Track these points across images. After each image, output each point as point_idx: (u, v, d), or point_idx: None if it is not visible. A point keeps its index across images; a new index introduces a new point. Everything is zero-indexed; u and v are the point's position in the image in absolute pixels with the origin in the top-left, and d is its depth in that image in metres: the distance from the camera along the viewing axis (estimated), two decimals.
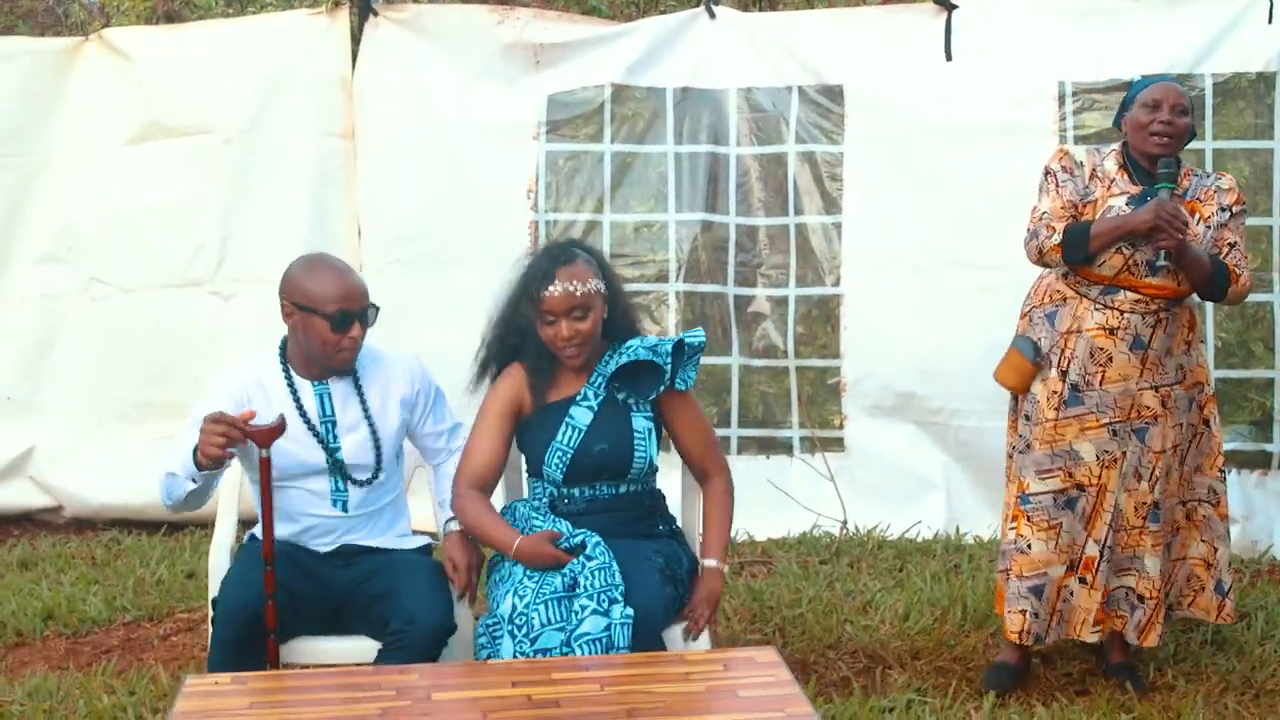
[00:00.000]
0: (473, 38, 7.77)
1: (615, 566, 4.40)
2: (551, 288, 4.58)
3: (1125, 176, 5.33)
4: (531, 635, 4.29)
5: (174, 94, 7.82)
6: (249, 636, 4.37)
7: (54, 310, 7.95)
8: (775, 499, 7.49)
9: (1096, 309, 5.28)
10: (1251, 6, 7.23)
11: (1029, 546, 5.31)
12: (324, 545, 4.72)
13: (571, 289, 4.58)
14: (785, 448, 7.71)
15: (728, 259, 7.69)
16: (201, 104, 7.79)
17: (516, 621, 4.32)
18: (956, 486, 7.46)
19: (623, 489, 4.72)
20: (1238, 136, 7.29)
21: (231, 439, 4.35)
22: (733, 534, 7.23)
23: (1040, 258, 5.30)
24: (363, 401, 4.76)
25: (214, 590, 4.57)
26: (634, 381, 4.71)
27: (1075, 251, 5.19)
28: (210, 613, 4.51)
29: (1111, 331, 5.25)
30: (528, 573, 4.46)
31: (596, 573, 4.36)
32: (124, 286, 7.85)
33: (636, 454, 4.67)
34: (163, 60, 7.87)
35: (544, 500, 4.73)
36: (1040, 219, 5.31)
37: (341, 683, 3.90)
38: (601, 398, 4.71)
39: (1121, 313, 5.24)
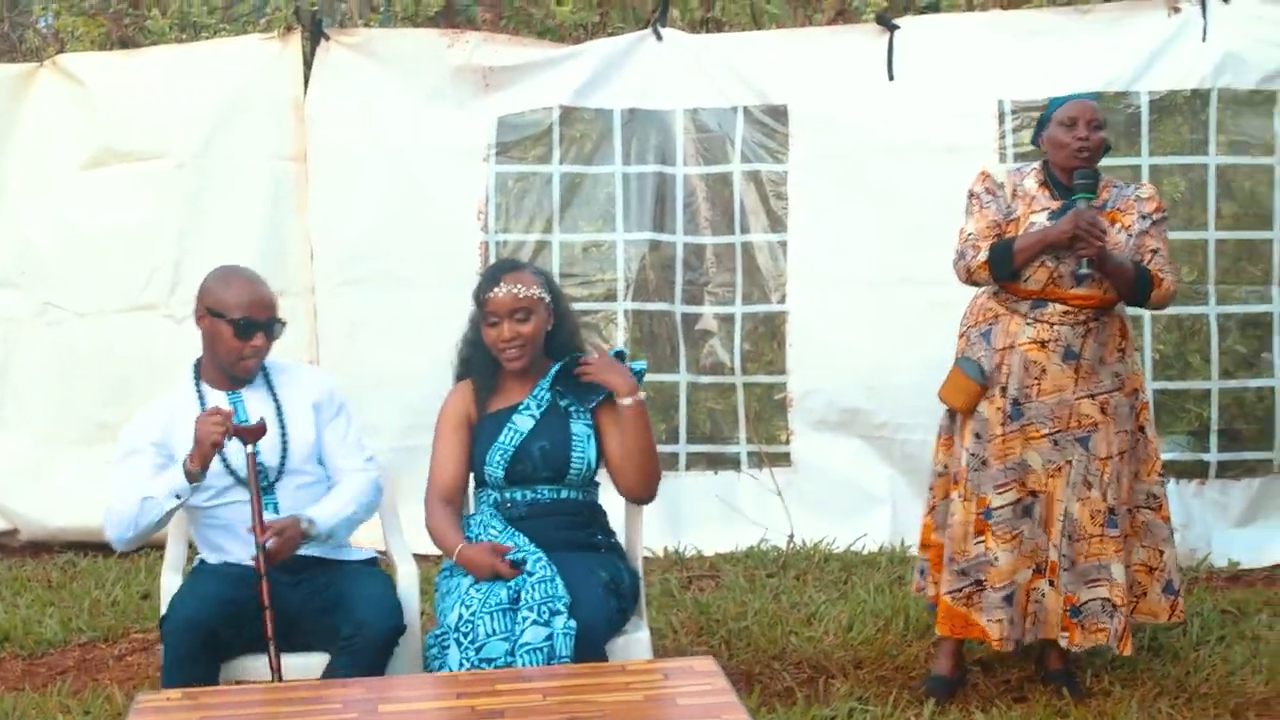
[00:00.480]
0: (423, 61, 7.84)
1: (558, 580, 4.53)
2: (496, 289, 4.81)
3: (1046, 193, 5.47)
4: (477, 644, 4.41)
5: (128, 119, 7.87)
6: (199, 652, 4.46)
7: (9, 335, 8.01)
8: (723, 514, 7.60)
9: (1028, 324, 5.40)
10: (1186, 26, 7.36)
11: (997, 559, 5.40)
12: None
13: (515, 291, 4.81)
14: (733, 463, 7.81)
15: (675, 277, 7.79)
16: (155, 129, 7.84)
17: (463, 629, 4.44)
18: (901, 500, 7.56)
19: (563, 493, 4.88)
20: (1173, 152, 7.42)
21: (226, 429, 4.52)
22: (681, 548, 7.40)
23: (969, 277, 5.47)
24: (276, 406, 4.88)
25: (164, 608, 4.66)
26: (576, 389, 4.90)
27: (1001, 268, 5.35)
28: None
29: (1043, 344, 5.37)
30: (474, 584, 4.59)
31: (538, 585, 4.49)
32: (79, 310, 7.90)
33: (574, 454, 4.85)
34: (117, 86, 7.93)
35: (489, 506, 4.87)
36: (967, 240, 5.47)
37: (290, 697, 3.99)
38: (544, 407, 4.89)
39: (1051, 325, 5.36)
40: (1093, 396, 5.40)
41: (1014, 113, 7.40)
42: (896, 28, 7.59)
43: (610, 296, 7.77)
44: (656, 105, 7.82)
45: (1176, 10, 7.35)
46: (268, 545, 4.50)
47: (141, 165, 7.85)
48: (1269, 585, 6.99)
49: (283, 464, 4.84)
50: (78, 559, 7.61)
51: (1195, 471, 7.44)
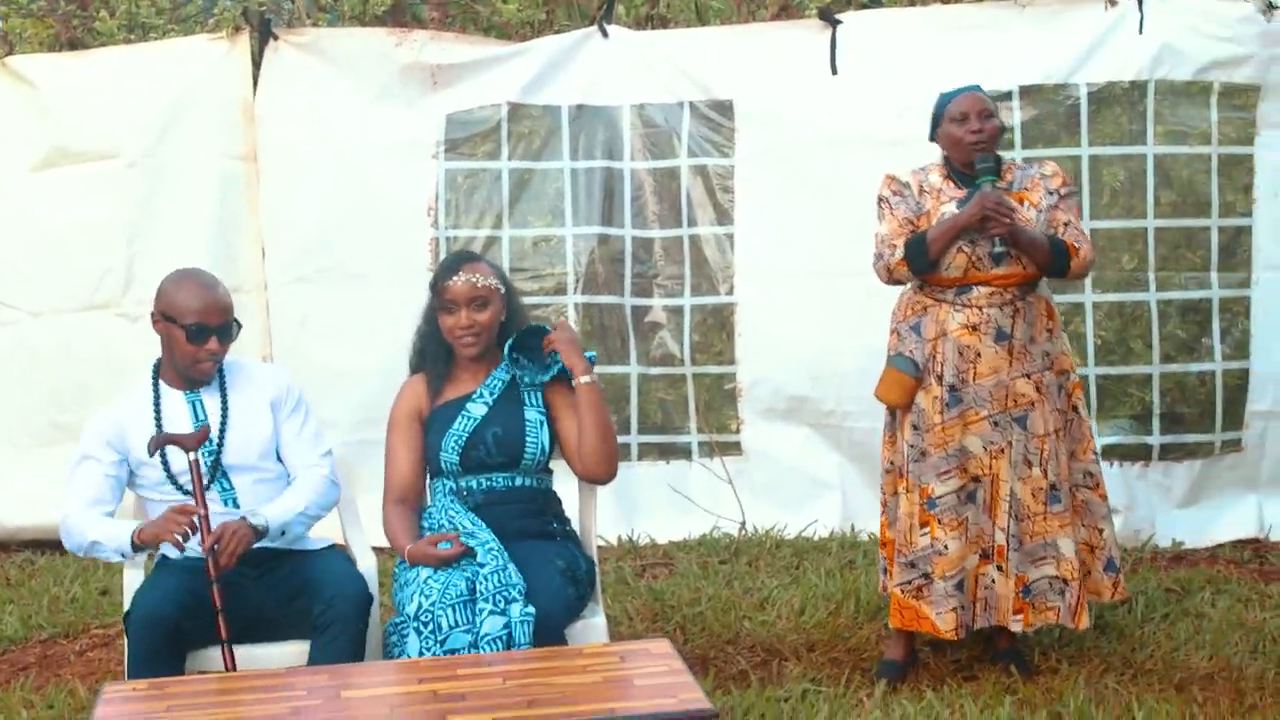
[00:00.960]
0: (371, 60, 7.89)
1: (511, 567, 4.62)
2: (455, 278, 4.94)
3: (950, 184, 5.61)
4: (440, 637, 4.49)
5: (79, 120, 7.90)
6: (163, 645, 4.51)
7: None
8: (675, 503, 7.69)
9: (956, 310, 5.51)
10: (1123, 18, 7.48)
11: (946, 548, 5.48)
12: None
13: (473, 280, 4.94)
14: (684, 453, 7.89)
15: (624, 271, 7.87)
16: (106, 129, 7.87)
17: (422, 619, 4.52)
18: (851, 486, 7.67)
19: (518, 480, 4.99)
20: (1113, 143, 7.52)
21: (187, 534, 4.58)
22: (634, 537, 7.48)
23: (890, 276, 5.60)
24: (224, 405, 4.96)
25: (128, 605, 4.72)
26: (532, 358, 5.05)
27: (919, 260, 5.47)
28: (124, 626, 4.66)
29: (974, 328, 5.48)
30: (433, 574, 4.67)
31: (491, 575, 4.58)
32: (33, 310, 7.93)
33: (528, 439, 4.97)
34: (67, 87, 7.94)
35: (444, 495, 4.96)
36: (882, 241, 5.62)
37: (254, 685, 4.06)
38: (496, 395, 5.01)
39: (980, 309, 5.47)
40: (1027, 376, 5.50)
41: None
42: (839, 23, 7.68)
43: (560, 290, 7.85)
44: (604, 101, 7.89)
45: (1114, 4, 7.46)
46: (214, 548, 4.58)
47: (93, 165, 7.88)
48: (1211, 564, 7.12)
49: (217, 460, 4.89)
50: (35, 557, 7.64)
51: (1139, 454, 7.56)
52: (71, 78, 7.98)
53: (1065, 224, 5.56)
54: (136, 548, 4.68)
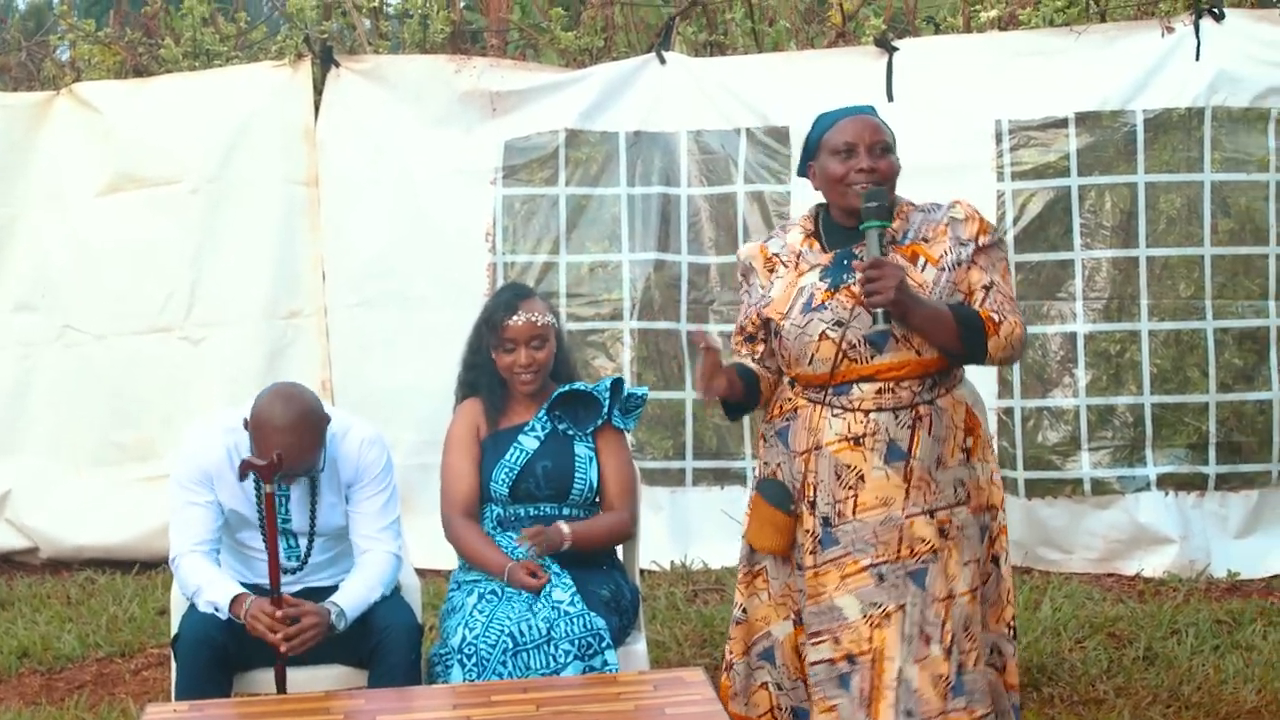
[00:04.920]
0: (431, 87, 7.98)
1: (590, 616, 4.64)
2: (515, 318, 4.97)
3: (815, 246, 4.32)
4: (481, 668, 4.52)
5: (143, 145, 8.02)
6: (210, 668, 4.56)
7: (29, 357, 8.15)
8: (728, 528, 7.65)
9: (835, 415, 4.13)
10: (1180, 45, 7.43)
11: None
12: (286, 589, 4.81)
13: (533, 319, 4.98)
14: (738, 478, 7.87)
15: (680, 296, 7.89)
16: (170, 154, 7.99)
17: (465, 651, 4.55)
18: None
19: (565, 512, 4.99)
20: (1169, 170, 7.47)
21: (271, 629, 4.53)
22: (687, 562, 7.50)
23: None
24: (313, 491, 4.88)
25: (176, 626, 4.78)
26: (574, 414, 5.04)
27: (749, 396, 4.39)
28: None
29: (857, 441, 4.11)
30: (478, 606, 4.72)
31: (577, 619, 4.61)
32: (97, 333, 8.05)
33: (578, 474, 4.99)
34: (132, 113, 8.08)
35: (492, 522, 4.99)
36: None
37: (293, 708, 4.12)
38: (548, 429, 5.03)
39: (865, 414, 4.10)
40: (930, 514, 4.11)
41: (1011, 132, 7.47)
42: (896, 49, 7.69)
43: (616, 316, 7.89)
44: (661, 128, 7.93)
45: (1170, 30, 7.43)
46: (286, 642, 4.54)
47: (157, 190, 8.00)
48: (1265, 595, 7.06)
49: (312, 533, 4.88)
50: (96, 576, 7.74)
51: (1194, 484, 7.49)
52: (137, 104, 8.12)
53: (985, 288, 4.15)
54: (233, 613, 4.63)
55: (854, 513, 4.08)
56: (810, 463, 4.14)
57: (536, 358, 4.99)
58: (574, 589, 4.71)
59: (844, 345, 4.08)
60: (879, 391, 4.06)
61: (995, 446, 4.32)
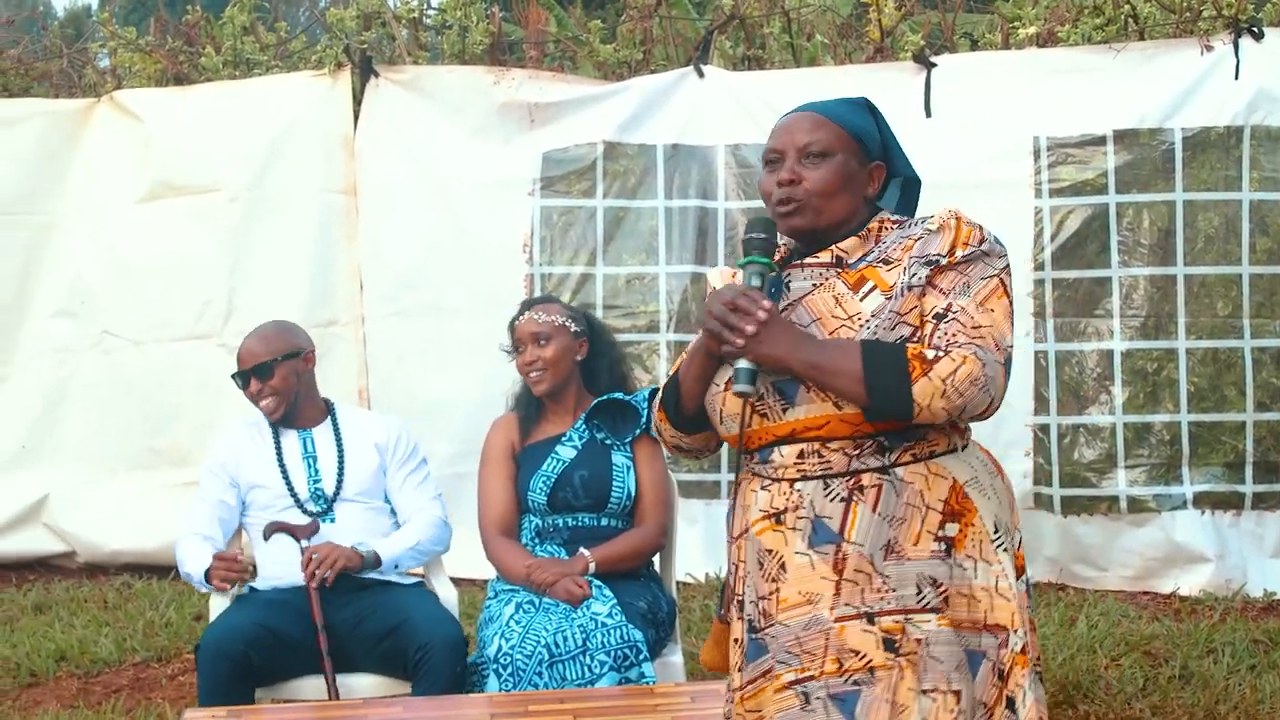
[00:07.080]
0: (470, 97, 8.01)
1: (628, 627, 4.63)
2: (521, 320, 5.04)
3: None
4: (517, 678, 4.52)
5: (183, 153, 8.08)
6: (230, 678, 4.61)
7: (66, 363, 8.21)
8: None
9: (762, 487, 3.15)
10: (1219, 64, 7.42)
11: None
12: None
13: (535, 317, 5.02)
14: None
15: None
16: (208, 163, 8.05)
17: (501, 662, 4.54)
18: None
19: (603, 521, 5.00)
20: (1208, 189, 7.45)
21: (231, 578, 4.76)
22: (721, 574, 7.47)
23: (661, 438, 3.46)
24: (338, 441, 5.12)
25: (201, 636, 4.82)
26: (612, 424, 5.05)
27: (679, 413, 3.31)
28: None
29: (778, 519, 3.10)
30: (514, 617, 4.71)
31: (614, 630, 4.61)
32: (134, 339, 8.10)
33: (615, 483, 4.98)
34: (172, 121, 8.14)
35: (531, 533, 5.00)
36: None
37: (331, 715, 4.14)
38: (585, 439, 5.03)
39: (790, 484, 3.09)
40: (869, 617, 3.01)
41: (1050, 149, 7.47)
42: (934, 65, 7.68)
43: (653, 328, 7.90)
44: (698, 141, 7.93)
45: (1209, 48, 7.42)
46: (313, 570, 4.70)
47: (196, 199, 8.05)
48: None
49: (338, 490, 5.04)
50: (133, 580, 7.79)
51: (1231, 502, 7.46)
52: (177, 112, 8.17)
53: (939, 315, 3.06)
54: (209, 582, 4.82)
55: (777, 611, 3.07)
56: (741, 551, 3.19)
57: (541, 355, 4.99)
58: (613, 600, 4.70)
59: (751, 398, 3.10)
60: (800, 455, 3.06)
61: (1017, 540, 3.20)
